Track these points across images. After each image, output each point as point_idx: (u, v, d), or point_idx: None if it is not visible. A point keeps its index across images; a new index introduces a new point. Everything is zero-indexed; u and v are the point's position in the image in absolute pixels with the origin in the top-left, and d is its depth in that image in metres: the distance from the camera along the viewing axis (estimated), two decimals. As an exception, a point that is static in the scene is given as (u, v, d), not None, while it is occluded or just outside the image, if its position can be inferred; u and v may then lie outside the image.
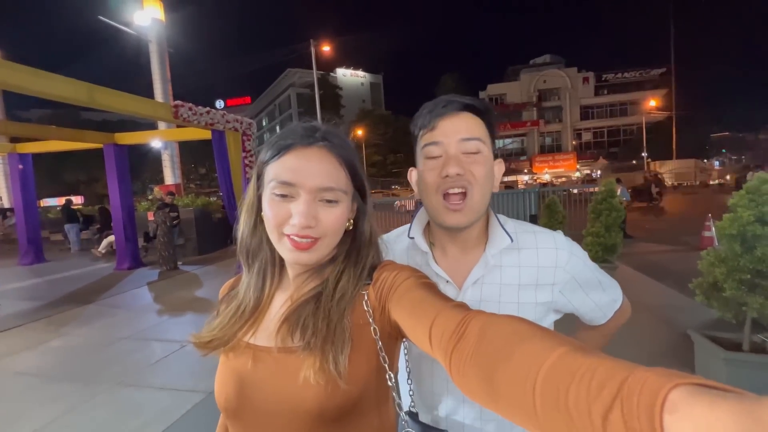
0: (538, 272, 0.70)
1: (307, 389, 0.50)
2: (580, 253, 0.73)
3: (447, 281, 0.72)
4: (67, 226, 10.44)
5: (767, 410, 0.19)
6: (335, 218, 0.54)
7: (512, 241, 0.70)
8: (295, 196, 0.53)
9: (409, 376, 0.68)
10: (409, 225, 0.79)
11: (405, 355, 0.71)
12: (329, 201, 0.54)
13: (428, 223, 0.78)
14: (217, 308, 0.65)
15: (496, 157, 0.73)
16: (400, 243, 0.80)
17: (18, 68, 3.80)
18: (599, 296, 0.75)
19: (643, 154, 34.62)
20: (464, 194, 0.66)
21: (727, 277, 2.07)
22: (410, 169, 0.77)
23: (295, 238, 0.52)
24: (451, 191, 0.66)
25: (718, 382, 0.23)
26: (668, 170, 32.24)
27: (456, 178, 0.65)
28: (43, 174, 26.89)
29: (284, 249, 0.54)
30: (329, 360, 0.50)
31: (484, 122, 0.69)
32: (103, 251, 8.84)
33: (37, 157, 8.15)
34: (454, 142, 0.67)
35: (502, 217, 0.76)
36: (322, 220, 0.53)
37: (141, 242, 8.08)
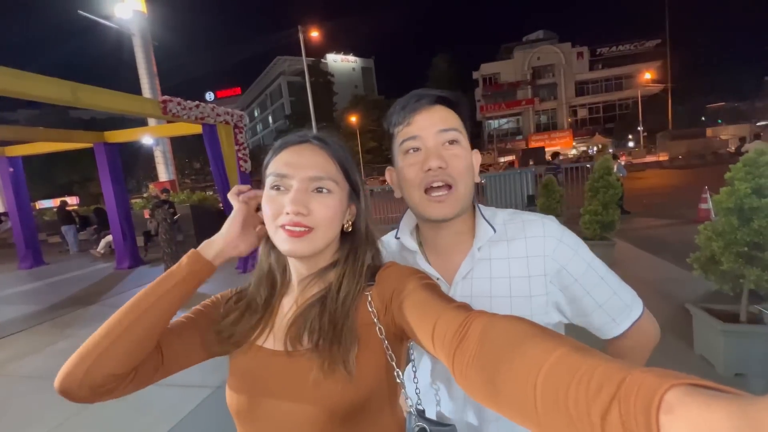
0: (528, 263, 0.67)
1: (317, 391, 0.51)
2: (572, 242, 0.68)
3: (437, 278, 0.70)
4: (64, 228, 10.40)
5: (761, 410, 0.19)
6: (327, 208, 0.56)
7: (495, 231, 0.69)
8: (288, 189, 0.55)
9: (415, 374, 0.68)
10: (397, 227, 0.79)
11: (411, 353, 0.71)
12: (321, 191, 0.56)
13: (417, 225, 0.77)
14: (218, 318, 0.64)
15: (474, 146, 0.72)
16: (390, 244, 0.80)
17: (-2, 70, 3.70)
18: (603, 295, 0.66)
19: (639, 128, 34.42)
20: (449, 186, 0.65)
21: (724, 251, 2.08)
22: (388, 168, 0.76)
23: (289, 228, 0.54)
24: (434, 185, 0.65)
25: (714, 383, 0.23)
26: (731, 135, 29.60)
27: (438, 172, 0.64)
28: (35, 176, 26.68)
29: (280, 240, 0.55)
30: (338, 360, 0.51)
31: (458, 114, 0.68)
32: (102, 251, 8.83)
33: (28, 158, 8.04)
34: (432, 134, 0.66)
35: (490, 210, 0.74)
36: (314, 210, 0.55)
37: (141, 241, 8.07)
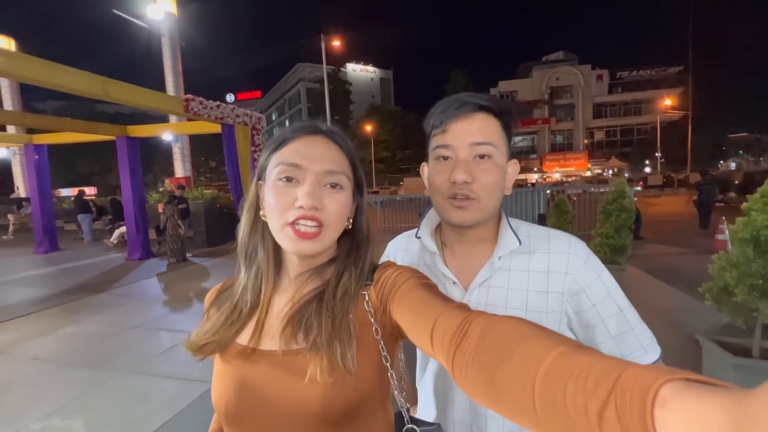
0: (548, 278, 0.66)
1: (313, 390, 0.50)
2: (596, 266, 0.66)
3: (454, 282, 0.70)
4: (80, 216, 10.65)
5: (754, 403, 0.19)
6: (340, 205, 0.54)
7: (520, 243, 0.68)
8: (301, 181, 0.53)
9: (403, 374, 0.69)
10: (417, 227, 0.79)
11: (401, 353, 0.71)
12: (334, 186, 0.54)
13: (439, 224, 0.76)
14: (206, 313, 0.63)
15: (511, 156, 0.70)
16: (410, 243, 0.80)
17: (34, 61, 3.88)
18: (618, 328, 0.63)
19: (656, 155, 33.93)
20: (471, 199, 0.65)
21: (738, 282, 2.03)
22: (423, 164, 0.76)
23: (300, 225, 0.52)
24: (457, 198, 0.65)
25: (708, 378, 0.23)
26: None
27: (463, 186, 0.64)
28: (58, 164, 27.50)
29: (286, 238, 0.53)
30: (337, 357, 0.49)
31: (501, 123, 0.67)
32: (115, 242, 9.02)
33: (52, 147, 8.31)
34: (464, 146, 0.65)
35: (515, 221, 0.73)
36: (326, 207, 0.53)
37: (153, 234, 8.22)
